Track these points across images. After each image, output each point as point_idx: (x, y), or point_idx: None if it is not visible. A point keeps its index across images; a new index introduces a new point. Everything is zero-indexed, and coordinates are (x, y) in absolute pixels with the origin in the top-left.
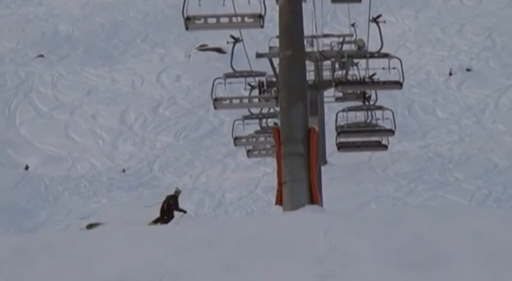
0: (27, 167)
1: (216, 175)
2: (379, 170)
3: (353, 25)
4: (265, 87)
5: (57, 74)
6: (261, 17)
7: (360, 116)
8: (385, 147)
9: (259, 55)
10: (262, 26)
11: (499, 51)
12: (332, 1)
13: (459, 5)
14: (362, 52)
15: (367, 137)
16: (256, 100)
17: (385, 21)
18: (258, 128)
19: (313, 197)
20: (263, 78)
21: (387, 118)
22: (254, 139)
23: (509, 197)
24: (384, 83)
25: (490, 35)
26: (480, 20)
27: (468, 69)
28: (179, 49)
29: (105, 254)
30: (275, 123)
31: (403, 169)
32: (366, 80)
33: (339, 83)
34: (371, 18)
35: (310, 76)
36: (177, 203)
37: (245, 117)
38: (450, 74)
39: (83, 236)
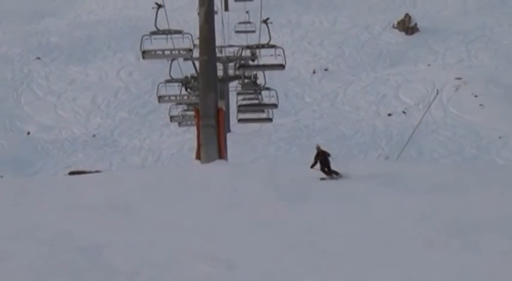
0: (28, 133)
1: (156, 139)
2: (266, 137)
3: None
4: (190, 82)
5: (49, 70)
6: (191, 50)
7: (254, 101)
8: (271, 120)
9: (186, 59)
10: (192, 56)
11: (347, 57)
12: (236, 31)
13: (320, 26)
14: (256, 45)
15: (258, 113)
16: (186, 97)
17: (272, 23)
18: (186, 107)
19: (221, 154)
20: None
21: (272, 96)
22: (182, 116)
23: (353, 155)
24: (272, 65)
25: (341, 46)
26: (334, 37)
27: (326, 69)
28: (132, 54)
29: (81, 191)
30: (196, 105)
31: (282, 136)
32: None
33: (240, 66)
34: (262, 20)
35: (220, 73)
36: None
37: (178, 103)
38: (314, 72)
39: (67, 179)
